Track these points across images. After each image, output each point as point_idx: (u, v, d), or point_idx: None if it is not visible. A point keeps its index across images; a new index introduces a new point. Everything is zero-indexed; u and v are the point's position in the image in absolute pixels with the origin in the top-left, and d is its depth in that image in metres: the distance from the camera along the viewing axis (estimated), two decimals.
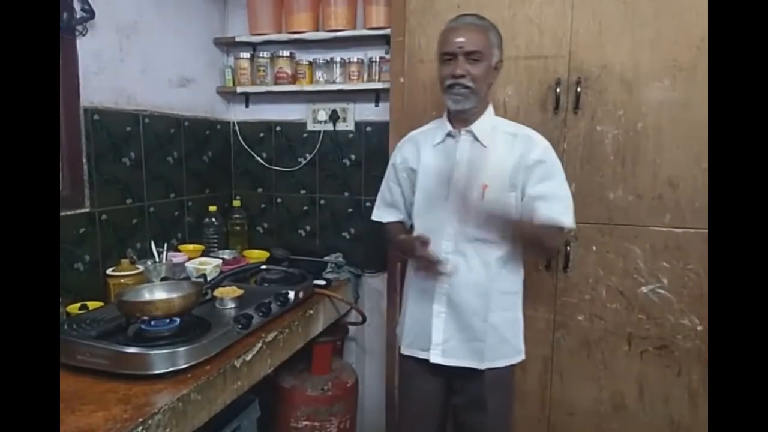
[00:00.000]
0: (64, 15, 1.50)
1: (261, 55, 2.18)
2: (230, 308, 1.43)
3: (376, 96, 2.13)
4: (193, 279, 1.70)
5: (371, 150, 2.17)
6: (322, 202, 2.29)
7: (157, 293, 1.32)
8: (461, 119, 1.42)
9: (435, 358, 1.46)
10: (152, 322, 1.22)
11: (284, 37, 2.14)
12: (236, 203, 2.29)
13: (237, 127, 2.35)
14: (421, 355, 1.49)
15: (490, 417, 1.47)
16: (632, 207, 1.60)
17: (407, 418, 1.58)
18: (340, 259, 2.17)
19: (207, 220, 2.13)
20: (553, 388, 1.73)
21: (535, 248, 1.58)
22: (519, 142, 1.40)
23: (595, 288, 1.65)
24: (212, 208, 2.14)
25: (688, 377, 1.61)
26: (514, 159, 1.39)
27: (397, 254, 1.79)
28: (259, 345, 1.37)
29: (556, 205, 1.39)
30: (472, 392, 1.47)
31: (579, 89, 1.58)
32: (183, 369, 1.15)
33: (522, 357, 1.50)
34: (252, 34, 2.17)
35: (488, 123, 1.43)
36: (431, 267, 1.38)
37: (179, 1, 2.02)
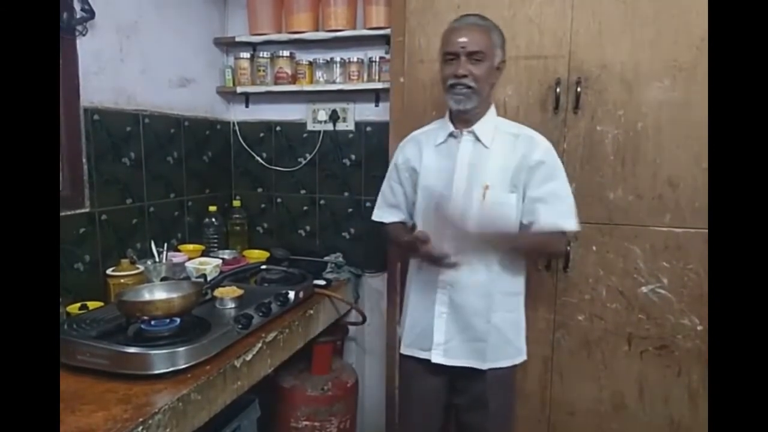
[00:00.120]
0: (64, 15, 1.50)
1: (261, 55, 2.18)
2: (230, 308, 1.43)
3: (376, 96, 2.13)
4: (193, 279, 1.70)
5: (371, 150, 2.17)
6: (322, 202, 2.29)
7: (157, 293, 1.32)
8: (463, 119, 1.42)
9: (436, 358, 1.46)
10: (152, 322, 1.22)
11: (284, 37, 2.14)
12: (236, 203, 2.29)
13: (237, 127, 2.35)
14: (422, 355, 1.49)
15: (491, 417, 1.47)
16: (632, 207, 1.60)
17: (409, 417, 1.58)
18: (340, 259, 2.17)
19: (207, 220, 2.13)
20: (553, 388, 1.73)
21: (540, 256, 1.59)
22: (521, 143, 1.40)
23: (595, 288, 1.65)
24: (212, 208, 2.14)
25: (688, 377, 1.61)
26: (515, 160, 1.39)
27: (399, 254, 1.79)
28: (259, 345, 1.37)
29: (558, 207, 1.39)
30: (474, 392, 1.47)
31: (579, 89, 1.58)
32: (183, 369, 1.15)
33: (524, 357, 1.50)
34: (252, 34, 2.17)
35: (490, 123, 1.43)
36: (437, 262, 1.36)
37: (179, 1, 2.02)
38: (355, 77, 2.09)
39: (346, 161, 2.22)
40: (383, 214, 1.62)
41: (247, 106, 2.33)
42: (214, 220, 2.13)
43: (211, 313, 1.39)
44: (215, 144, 2.26)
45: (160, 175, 1.96)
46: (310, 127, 2.25)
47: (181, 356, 1.15)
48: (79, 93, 1.59)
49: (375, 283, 2.19)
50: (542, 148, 1.40)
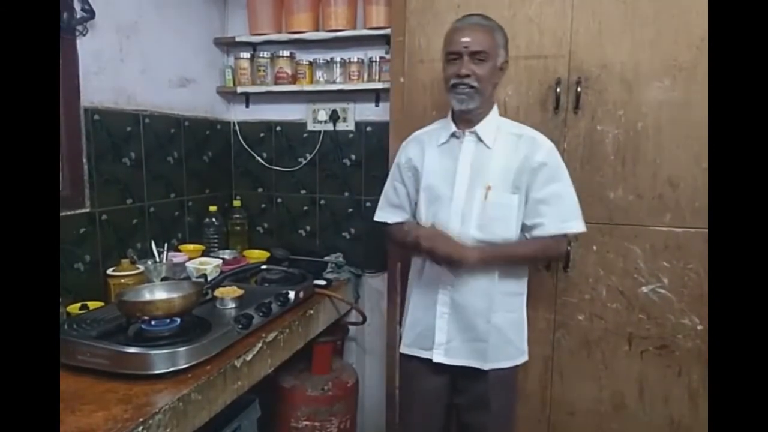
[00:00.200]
0: (64, 15, 1.50)
1: (261, 55, 2.18)
2: (230, 308, 1.43)
3: (376, 96, 2.13)
4: (194, 279, 1.71)
5: (371, 150, 2.17)
6: (322, 202, 2.29)
7: (158, 293, 1.32)
8: (466, 119, 1.42)
9: (437, 357, 1.46)
10: (152, 322, 1.22)
11: (284, 37, 2.14)
12: (236, 203, 2.29)
13: (237, 127, 2.35)
14: (423, 354, 1.49)
15: (493, 417, 1.47)
16: (632, 207, 1.60)
17: (409, 417, 1.58)
18: (340, 259, 2.17)
19: (207, 220, 2.13)
20: (554, 388, 1.73)
21: (540, 262, 1.59)
22: (523, 144, 1.40)
23: (595, 288, 1.65)
24: (212, 208, 2.14)
25: (688, 377, 1.61)
26: (518, 161, 1.39)
27: (401, 254, 1.78)
28: (260, 345, 1.37)
29: (562, 209, 1.39)
30: (476, 392, 1.47)
31: (579, 89, 1.58)
32: (183, 369, 1.15)
33: (525, 358, 1.50)
34: (252, 34, 2.17)
35: (493, 124, 1.43)
36: (442, 261, 1.35)
37: (179, 1, 2.02)
38: (355, 77, 2.09)
39: (346, 161, 2.22)
40: (386, 214, 1.61)
41: (247, 106, 2.33)
42: (214, 220, 2.13)
43: (211, 313, 1.39)
44: (215, 144, 2.26)
45: (161, 175, 1.96)
46: (310, 127, 2.25)
47: (181, 356, 1.15)
48: (79, 93, 1.59)
49: (375, 283, 2.19)
50: (545, 149, 1.40)
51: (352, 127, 2.20)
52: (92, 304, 1.48)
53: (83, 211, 1.64)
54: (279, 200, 2.35)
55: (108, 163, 1.72)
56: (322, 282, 1.89)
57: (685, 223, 1.56)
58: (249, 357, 1.32)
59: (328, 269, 2.06)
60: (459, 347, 1.45)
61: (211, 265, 1.77)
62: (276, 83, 2.18)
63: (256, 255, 2.10)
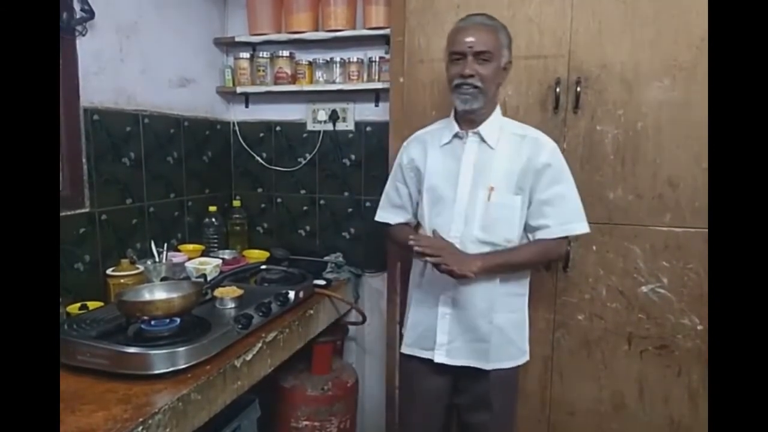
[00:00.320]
0: (64, 15, 1.50)
1: (261, 55, 2.18)
2: (230, 308, 1.43)
3: (376, 96, 2.13)
4: (193, 279, 1.70)
5: (371, 150, 2.17)
6: (322, 202, 2.29)
7: (157, 293, 1.32)
8: (469, 120, 1.42)
9: (439, 358, 1.46)
10: (152, 322, 1.22)
11: (284, 37, 2.13)
12: (236, 203, 2.29)
13: (237, 127, 2.35)
14: (425, 354, 1.49)
15: (494, 417, 1.47)
16: (632, 207, 1.60)
17: (410, 417, 1.58)
18: (340, 259, 2.17)
19: (207, 220, 2.13)
20: (553, 388, 1.73)
21: (541, 264, 1.59)
22: (526, 145, 1.40)
23: (595, 287, 1.65)
24: (212, 208, 2.14)
25: (688, 377, 1.61)
26: (521, 162, 1.38)
27: (401, 254, 1.78)
28: (259, 345, 1.37)
29: (566, 210, 1.39)
30: (477, 392, 1.47)
31: (579, 89, 1.58)
32: (183, 369, 1.15)
33: (527, 358, 1.50)
34: (252, 34, 2.17)
35: (496, 124, 1.42)
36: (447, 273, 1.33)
37: (179, 1, 2.02)
38: (355, 77, 2.09)
39: (346, 161, 2.22)
40: (388, 215, 1.61)
41: (246, 106, 2.33)
42: (214, 220, 2.13)
43: (211, 313, 1.39)
44: (215, 144, 2.26)
45: (160, 175, 1.96)
46: (310, 127, 2.25)
47: (181, 356, 1.15)
48: (79, 93, 1.59)
49: (375, 283, 2.19)
50: (548, 150, 1.40)
51: (351, 127, 2.20)
52: (92, 304, 1.48)
53: (83, 211, 1.63)
54: (279, 200, 2.35)
55: (108, 163, 1.71)
56: (322, 282, 1.89)
57: (685, 223, 1.56)
58: (249, 357, 1.32)
59: (328, 269, 2.06)
60: (461, 348, 1.45)
61: (210, 265, 1.77)
62: (276, 83, 2.18)
63: (256, 255, 2.10)
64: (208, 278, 1.68)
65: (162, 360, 1.13)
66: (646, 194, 1.58)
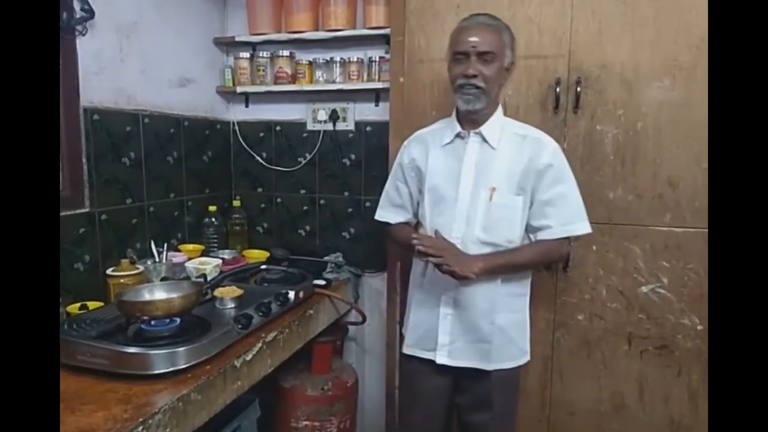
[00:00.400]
0: (64, 15, 1.50)
1: (261, 55, 2.18)
2: (230, 308, 1.43)
3: (376, 96, 2.13)
4: (193, 279, 1.70)
5: (371, 150, 2.17)
6: (322, 202, 2.28)
7: (157, 293, 1.32)
8: (470, 120, 1.41)
9: (441, 359, 1.46)
10: (152, 322, 1.22)
11: (284, 36, 2.13)
12: (236, 203, 2.29)
13: (237, 127, 2.35)
14: (426, 355, 1.49)
15: (495, 417, 1.47)
16: (632, 207, 1.60)
17: (410, 417, 1.58)
18: (340, 259, 2.17)
19: (207, 220, 2.13)
20: (553, 388, 1.73)
21: (542, 264, 1.59)
22: (528, 145, 1.40)
23: (595, 288, 1.65)
24: (212, 208, 2.14)
25: (688, 377, 1.61)
26: (523, 163, 1.38)
27: (402, 253, 1.78)
28: (259, 345, 1.37)
29: (568, 210, 1.39)
30: (478, 392, 1.47)
31: (579, 89, 1.58)
32: (183, 369, 1.15)
33: (527, 358, 1.50)
34: (252, 33, 2.17)
35: (497, 124, 1.42)
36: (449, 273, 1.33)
37: (179, 1, 2.02)
38: (355, 77, 2.09)
39: (346, 161, 2.22)
40: (388, 214, 1.60)
41: (246, 106, 2.33)
42: (214, 220, 2.13)
43: (211, 313, 1.39)
44: (215, 144, 2.26)
45: (160, 175, 1.96)
46: (310, 126, 2.25)
47: (181, 356, 1.15)
48: (79, 93, 1.59)
49: (375, 283, 2.19)
50: (550, 150, 1.39)
51: (351, 126, 2.20)
52: (92, 304, 1.48)
53: (83, 211, 1.63)
54: (279, 200, 2.34)
55: (108, 163, 1.71)
56: (322, 282, 1.89)
57: (685, 223, 1.56)
58: (249, 357, 1.32)
59: (328, 269, 2.06)
60: (462, 348, 1.45)
61: (210, 265, 1.77)
62: (276, 83, 2.18)
63: (256, 255, 2.10)
64: (208, 278, 1.68)
65: (162, 360, 1.13)
66: (646, 194, 1.58)
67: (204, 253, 1.99)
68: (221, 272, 1.76)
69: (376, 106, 2.14)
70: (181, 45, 2.04)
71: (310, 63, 2.15)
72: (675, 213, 1.56)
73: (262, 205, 2.37)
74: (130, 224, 1.82)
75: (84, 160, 1.63)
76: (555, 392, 1.73)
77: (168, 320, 1.23)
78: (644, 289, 1.61)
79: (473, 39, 1.32)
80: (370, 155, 2.18)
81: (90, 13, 1.57)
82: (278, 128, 2.30)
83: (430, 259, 1.32)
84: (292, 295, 1.61)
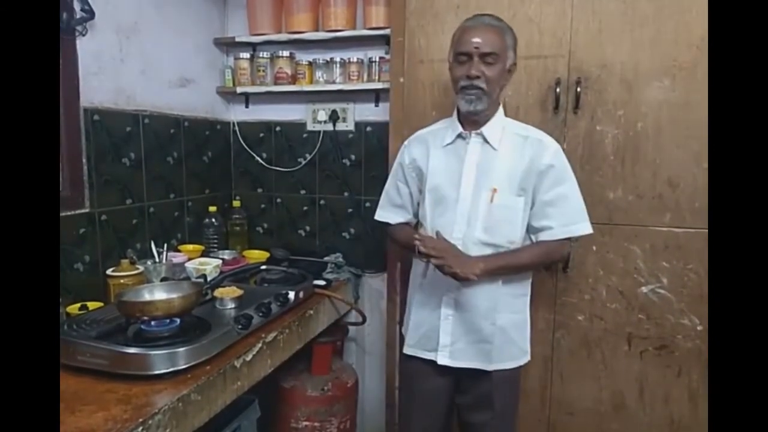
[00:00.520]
0: (64, 15, 1.50)
1: (261, 56, 2.18)
2: (230, 308, 1.43)
3: (376, 96, 2.13)
4: (193, 279, 1.70)
5: (371, 150, 2.17)
6: (322, 202, 2.29)
7: (157, 293, 1.32)
8: (472, 121, 1.41)
9: (442, 359, 1.46)
10: (152, 323, 1.22)
11: (284, 37, 2.14)
12: (236, 203, 2.29)
13: (237, 128, 2.35)
14: (427, 355, 1.49)
15: (496, 417, 1.47)
16: (632, 207, 1.60)
17: (411, 418, 1.57)
18: (340, 259, 2.17)
19: (207, 220, 2.13)
20: (553, 388, 1.73)
21: (543, 265, 1.59)
22: (529, 146, 1.39)
23: (595, 288, 1.65)
24: (212, 209, 2.14)
25: (688, 377, 1.61)
26: (524, 163, 1.38)
27: (402, 253, 1.78)
28: (259, 345, 1.37)
29: (569, 211, 1.39)
30: (479, 392, 1.47)
31: (579, 89, 1.58)
32: (183, 369, 1.15)
33: (528, 358, 1.50)
34: (252, 34, 2.17)
35: (498, 125, 1.42)
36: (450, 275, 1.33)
37: (179, 1, 2.02)
38: (355, 77, 2.09)
39: (346, 161, 2.22)
40: (388, 214, 1.60)
41: (247, 107, 2.33)
42: (214, 220, 2.13)
43: (211, 313, 1.39)
44: (215, 144, 2.26)
45: (160, 175, 1.96)
46: (310, 127, 2.25)
47: (181, 356, 1.15)
48: (79, 93, 1.59)
49: (375, 283, 2.19)
50: (551, 151, 1.39)
51: (351, 127, 2.20)
52: (92, 305, 1.48)
53: (83, 211, 1.63)
54: (279, 200, 2.35)
55: (108, 164, 1.71)
56: (322, 282, 1.88)
57: (685, 223, 1.56)
58: (249, 357, 1.32)
59: (328, 269, 2.05)
60: (464, 349, 1.44)
61: (210, 266, 1.77)
62: (276, 83, 2.18)
63: (256, 255, 2.10)
64: (208, 278, 1.68)
65: (162, 360, 1.13)
66: (646, 194, 1.58)
67: (204, 254, 1.99)
68: (221, 272, 1.76)
69: (376, 106, 2.14)
70: (181, 45, 2.04)
71: (310, 63, 2.15)
72: (675, 213, 1.56)
73: (262, 206, 2.37)
74: (130, 224, 1.82)
75: (84, 160, 1.63)
76: (555, 392, 1.73)
77: (168, 320, 1.23)
78: (644, 289, 1.61)
79: (476, 40, 1.32)
80: (370, 155, 2.18)
81: (90, 14, 1.57)
82: (278, 129, 2.30)
83: (432, 260, 1.32)
84: (292, 295, 1.61)
